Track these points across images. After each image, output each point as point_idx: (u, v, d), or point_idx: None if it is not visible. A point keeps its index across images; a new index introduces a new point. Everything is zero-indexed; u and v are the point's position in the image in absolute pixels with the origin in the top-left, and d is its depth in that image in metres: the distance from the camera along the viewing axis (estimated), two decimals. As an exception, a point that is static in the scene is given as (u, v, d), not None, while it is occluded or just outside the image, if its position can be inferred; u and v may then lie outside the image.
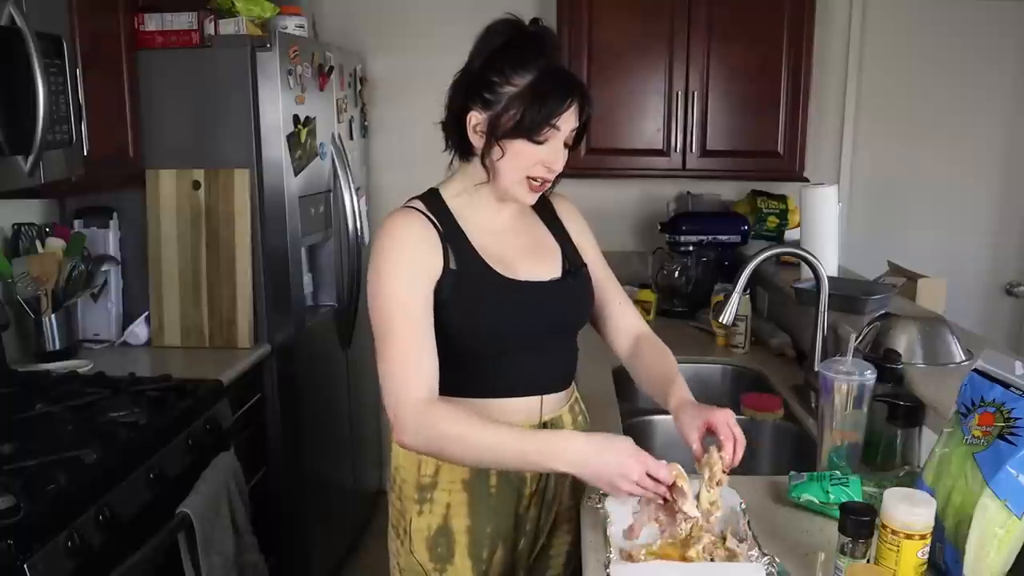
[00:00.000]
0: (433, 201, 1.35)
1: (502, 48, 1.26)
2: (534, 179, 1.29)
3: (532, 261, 1.38)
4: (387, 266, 1.27)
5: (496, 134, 1.26)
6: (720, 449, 1.22)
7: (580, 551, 1.38)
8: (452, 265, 1.29)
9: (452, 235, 1.32)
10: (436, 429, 1.20)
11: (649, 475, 1.15)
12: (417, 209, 1.33)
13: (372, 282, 1.28)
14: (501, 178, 1.29)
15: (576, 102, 1.26)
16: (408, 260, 1.27)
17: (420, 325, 1.25)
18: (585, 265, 1.46)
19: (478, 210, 1.36)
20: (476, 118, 1.27)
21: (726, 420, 1.25)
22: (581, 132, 1.31)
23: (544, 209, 1.47)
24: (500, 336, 1.33)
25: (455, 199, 1.36)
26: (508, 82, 1.25)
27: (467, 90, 1.28)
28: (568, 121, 1.26)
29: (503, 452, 1.20)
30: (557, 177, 1.34)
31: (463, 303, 1.29)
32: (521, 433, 1.22)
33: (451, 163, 1.38)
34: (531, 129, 1.24)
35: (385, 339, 1.25)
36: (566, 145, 1.29)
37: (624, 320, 1.53)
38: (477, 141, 1.29)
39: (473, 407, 1.29)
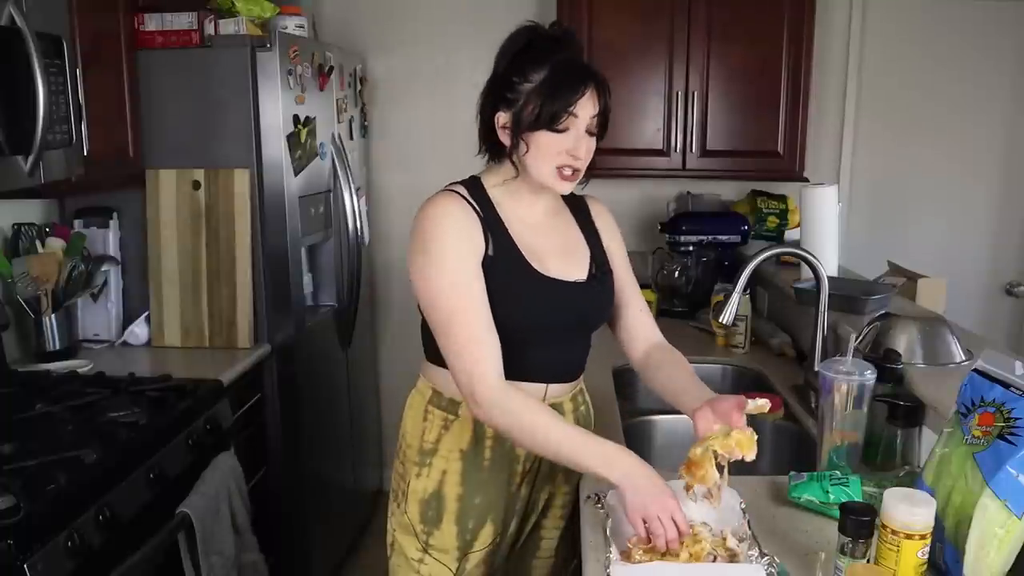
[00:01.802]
0: (474, 188, 1.40)
1: (521, 50, 1.32)
2: (562, 169, 1.33)
3: (562, 259, 1.42)
4: (437, 245, 1.31)
5: (519, 129, 1.31)
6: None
7: (572, 536, 1.40)
8: (490, 251, 1.34)
9: (492, 222, 1.36)
10: (510, 415, 1.26)
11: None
12: (459, 194, 1.37)
13: (422, 264, 1.32)
14: (531, 172, 1.34)
15: (592, 88, 1.30)
16: (457, 238, 1.32)
17: (480, 301, 1.30)
18: (611, 271, 1.50)
19: (516, 201, 1.40)
20: (503, 118, 1.34)
21: (734, 405, 1.26)
22: (604, 122, 1.34)
23: (579, 210, 1.52)
24: (522, 327, 1.36)
25: (495, 188, 1.40)
26: (526, 79, 1.30)
27: (494, 94, 1.35)
28: (585, 107, 1.30)
29: (565, 451, 1.25)
30: (589, 171, 1.39)
31: (493, 289, 1.32)
32: (585, 439, 1.25)
33: (487, 160, 1.44)
34: (550, 119, 1.29)
35: (451, 319, 1.29)
36: (590, 134, 1.33)
37: (642, 329, 1.55)
38: (506, 140, 1.34)
39: None
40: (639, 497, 1.18)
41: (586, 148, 1.33)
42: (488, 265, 1.33)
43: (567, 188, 1.37)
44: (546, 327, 1.40)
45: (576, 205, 1.52)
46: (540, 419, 1.26)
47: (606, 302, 1.49)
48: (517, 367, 1.37)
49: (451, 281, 1.30)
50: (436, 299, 1.31)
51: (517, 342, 1.36)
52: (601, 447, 1.24)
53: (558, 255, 1.42)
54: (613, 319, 1.55)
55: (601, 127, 1.34)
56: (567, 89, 1.28)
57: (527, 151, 1.32)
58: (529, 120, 1.30)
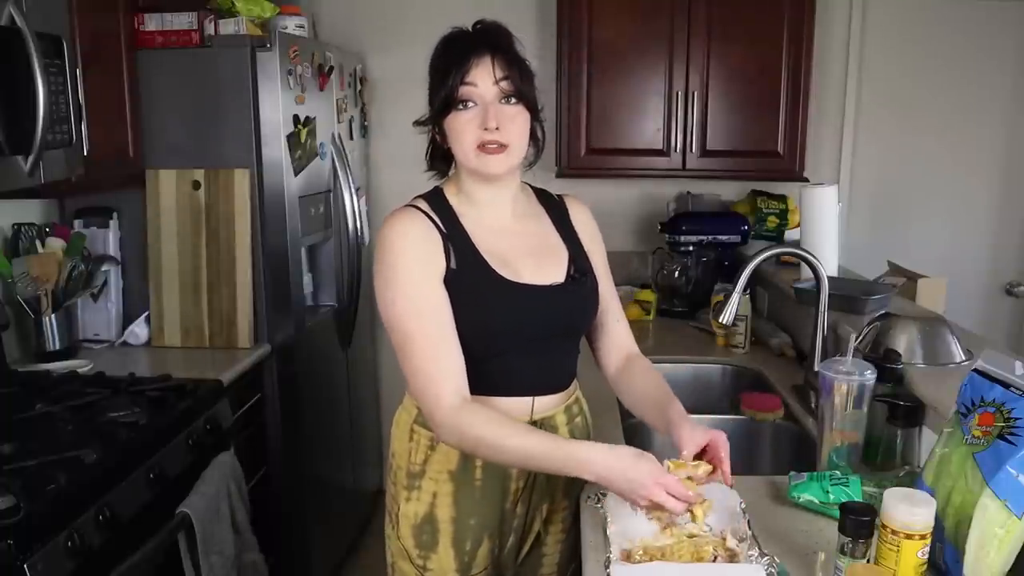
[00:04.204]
0: (436, 200, 1.37)
1: (439, 56, 1.33)
2: (484, 146, 1.29)
3: (536, 263, 1.37)
4: (393, 270, 1.29)
5: (435, 121, 1.31)
6: (712, 470, 1.22)
7: (577, 552, 1.38)
8: (453, 265, 1.30)
9: (454, 235, 1.32)
10: (467, 434, 1.24)
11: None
12: (419, 208, 1.34)
13: (380, 286, 1.30)
14: (459, 158, 1.32)
15: (484, 55, 1.27)
16: (414, 258, 1.29)
17: (437, 324, 1.27)
18: (591, 272, 1.44)
19: (479, 207, 1.37)
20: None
21: (726, 446, 1.23)
22: (520, 90, 1.29)
23: (556, 211, 1.47)
24: (495, 337, 1.33)
25: (455, 197, 1.37)
26: (435, 73, 1.30)
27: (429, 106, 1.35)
28: (481, 75, 1.27)
29: (531, 459, 1.23)
30: (536, 143, 1.36)
31: (462, 302, 1.29)
32: (549, 443, 1.22)
33: (432, 173, 1.43)
34: (447, 98, 1.27)
35: (405, 344, 1.27)
36: (507, 103, 1.28)
37: (618, 338, 1.50)
38: (439, 138, 1.35)
39: None
40: (622, 492, 1.18)
41: (500, 117, 1.27)
42: (452, 279, 1.29)
43: (495, 166, 1.30)
44: (523, 335, 1.34)
45: (553, 205, 1.47)
46: (498, 438, 1.22)
47: (589, 304, 1.43)
48: (499, 381, 1.34)
49: (405, 304, 1.27)
50: (392, 321, 1.28)
51: (495, 354, 1.33)
52: (567, 452, 1.20)
53: (531, 259, 1.36)
54: (592, 329, 1.50)
55: (520, 94, 1.29)
56: (454, 62, 1.27)
57: (448, 139, 1.31)
58: (437, 107, 1.29)
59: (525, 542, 1.48)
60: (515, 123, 1.30)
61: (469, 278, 1.30)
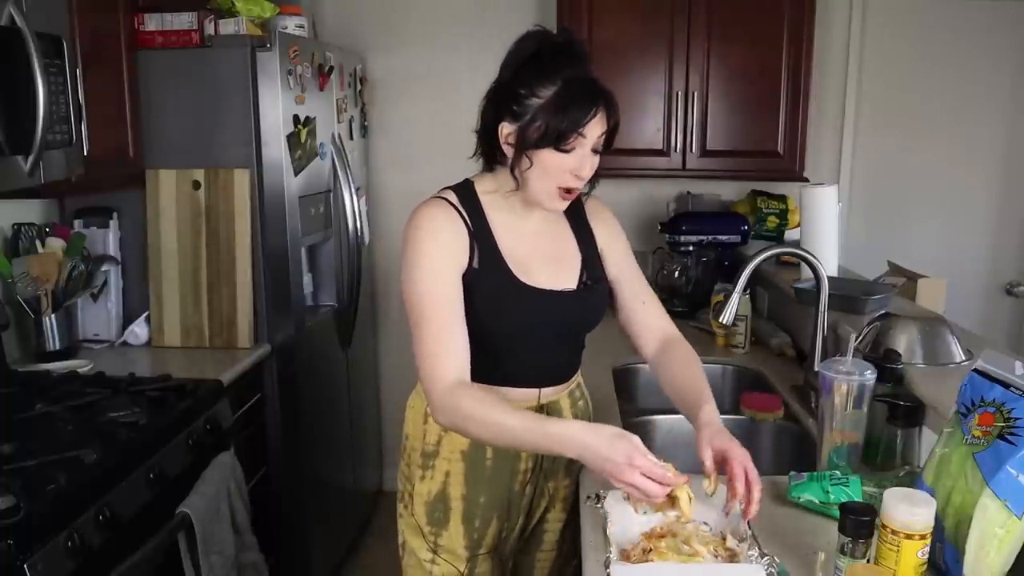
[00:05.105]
0: (465, 194, 1.39)
1: (529, 60, 1.29)
2: (563, 189, 1.32)
3: (552, 269, 1.41)
4: (417, 256, 1.32)
5: (525, 145, 1.29)
6: (730, 492, 1.20)
7: (573, 530, 1.40)
8: (475, 264, 1.34)
9: (480, 233, 1.36)
10: (459, 412, 1.26)
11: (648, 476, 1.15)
12: (450, 202, 1.37)
13: (404, 271, 1.34)
14: (530, 188, 1.33)
15: (602, 110, 1.28)
16: (442, 244, 1.33)
17: (450, 310, 1.30)
18: (603, 278, 1.49)
19: (512, 212, 1.40)
20: (507, 129, 1.31)
21: (743, 460, 1.21)
22: (610, 138, 1.32)
23: (574, 212, 1.49)
24: (509, 336, 1.38)
25: (487, 195, 1.40)
26: (534, 94, 1.28)
27: (498, 102, 1.32)
28: (594, 128, 1.28)
29: (518, 438, 1.24)
30: (593, 180, 1.37)
31: (480, 300, 1.33)
32: (531, 421, 1.24)
33: (481, 161, 1.42)
34: (557, 139, 1.27)
35: (418, 325, 1.31)
36: (595, 151, 1.31)
37: (650, 319, 1.54)
38: (509, 152, 1.32)
39: None
40: (601, 473, 1.17)
41: (590, 167, 1.31)
42: (474, 277, 1.33)
43: (562, 207, 1.36)
44: (535, 336, 1.40)
45: (573, 207, 1.48)
46: (483, 416, 1.23)
47: (597, 309, 1.48)
48: (509, 373, 1.40)
49: (429, 287, 1.31)
50: (410, 304, 1.33)
51: (507, 350, 1.38)
52: (547, 430, 1.22)
53: (548, 264, 1.41)
54: (622, 316, 1.55)
55: (607, 144, 1.33)
56: (577, 110, 1.26)
57: (530, 167, 1.30)
58: (535, 137, 1.27)
59: (531, 521, 1.53)
60: (594, 168, 1.33)
61: (489, 279, 1.34)
